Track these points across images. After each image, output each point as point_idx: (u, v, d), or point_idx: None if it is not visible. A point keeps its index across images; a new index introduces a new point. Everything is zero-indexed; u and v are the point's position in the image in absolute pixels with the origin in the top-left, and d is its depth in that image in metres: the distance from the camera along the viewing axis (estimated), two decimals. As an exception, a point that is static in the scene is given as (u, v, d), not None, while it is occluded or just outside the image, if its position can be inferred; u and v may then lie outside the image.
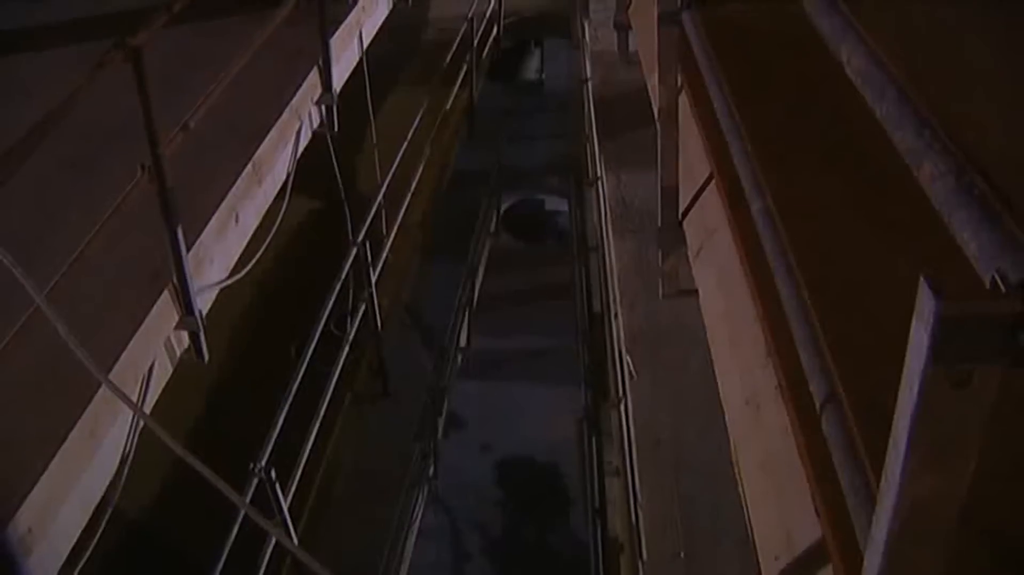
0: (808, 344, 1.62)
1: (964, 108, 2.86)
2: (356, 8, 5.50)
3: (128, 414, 2.78)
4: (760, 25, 3.20)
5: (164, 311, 3.07)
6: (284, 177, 4.33)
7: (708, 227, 2.88)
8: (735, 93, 2.63)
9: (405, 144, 6.61)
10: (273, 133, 4.14)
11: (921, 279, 0.79)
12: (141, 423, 2.80)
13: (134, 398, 2.85)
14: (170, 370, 3.15)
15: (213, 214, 3.50)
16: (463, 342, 6.98)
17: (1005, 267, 0.80)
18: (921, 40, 3.49)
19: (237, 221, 3.69)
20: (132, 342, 2.85)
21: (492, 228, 8.18)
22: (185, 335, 3.23)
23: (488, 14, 9.45)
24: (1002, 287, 0.80)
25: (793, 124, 2.94)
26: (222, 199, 3.58)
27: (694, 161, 3.10)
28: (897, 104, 1.05)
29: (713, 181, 2.92)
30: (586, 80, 7.09)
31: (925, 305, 0.79)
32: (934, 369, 0.83)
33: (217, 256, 3.50)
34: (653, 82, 3.30)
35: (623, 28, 5.21)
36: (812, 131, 2.85)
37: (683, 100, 3.21)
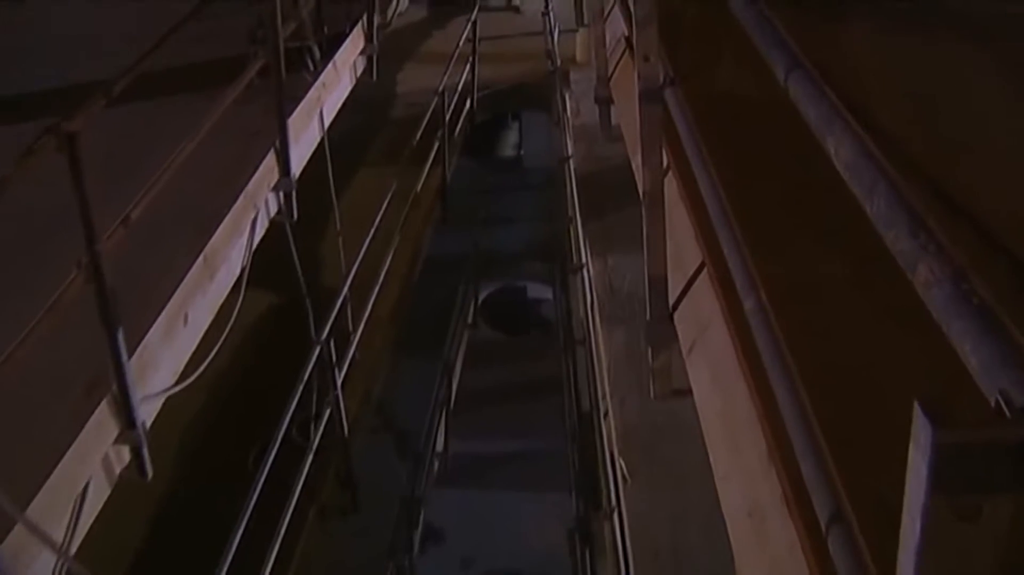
0: (809, 455, 1.61)
1: (974, 159, 2.91)
2: (316, 84, 5.59)
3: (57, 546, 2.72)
4: (748, 99, 3.26)
5: (102, 424, 3.03)
6: (239, 271, 4.33)
7: (701, 321, 2.88)
8: (723, 174, 2.67)
9: (372, 230, 6.63)
10: (226, 223, 4.15)
11: (915, 404, 0.78)
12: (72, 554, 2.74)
13: (64, 525, 2.79)
14: (108, 491, 3.09)
15: (159, 314, 3.48)
16: (440, 446, 6.91)
17: (1009, 387, 0.80)
18: (926, 78, 3.58)
19: (186, 321, 3.68)
20: (63, 461, 2.79)
21: (470, 319, 8.17)
22: (126, 450, 3.18)
23: (460, 87, 9.61)
24: (1006, 411, 0.80)
25: (787, 204, 2.98)
26: (169, 297, 3.58)
27: (684, 248, 3.12)
28: (888, 200, 1.06)
29: (705, 270, 2.94)
30: (568, 157, 7.18)
31: (921, 432, 0.78)
32: (936, 501, 0.81)
33: (163, 361, 3.48)
34: (637, 162, 3.34)
35: (605, 102, 5.30)
36: (808, 211, 2.89)
37: (670, 181, 3.25)
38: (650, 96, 2.82)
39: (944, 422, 0.77)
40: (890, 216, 1.05)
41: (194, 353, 3.80)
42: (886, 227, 1.06)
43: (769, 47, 1.47)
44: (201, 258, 3.86)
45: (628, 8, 3.46)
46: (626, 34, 4.56)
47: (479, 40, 9.99)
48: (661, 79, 2.81)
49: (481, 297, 8.46)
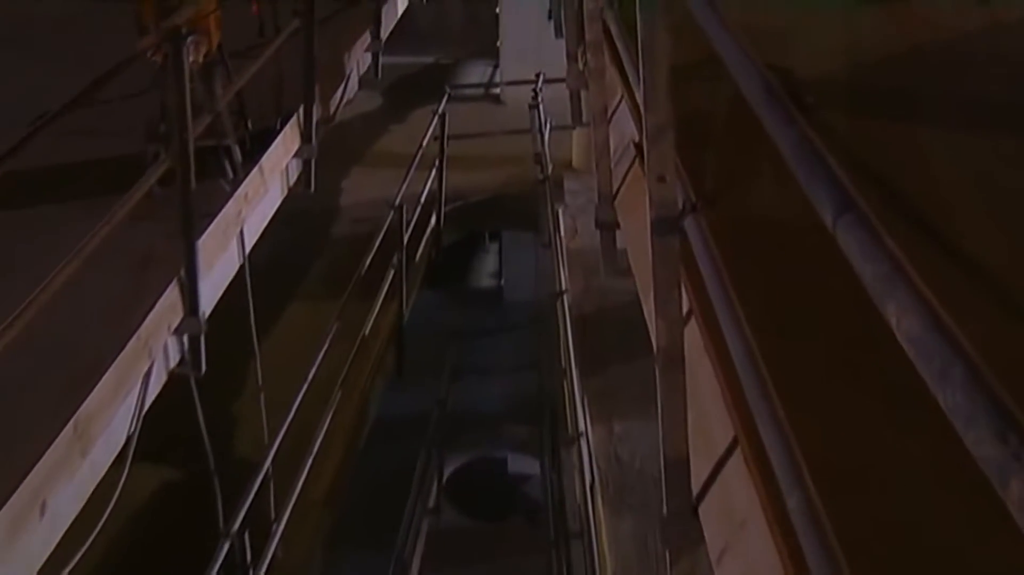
0: None
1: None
2: (236, 195, 5.64)
3: None
4: (790, 230, 3.29)
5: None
6: (123, 441, 4.29)
7: (734, 518, 2.85)
8: (759, 325, 2.67)
9: (305, 384, 6.63)
10: (108, 378, 4.13)
11: None
12: None
13: None
14: None
15: (4, 504, 3.40)
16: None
17: None
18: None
19: (44, 512, 3.61)
20: None
21: (432, 501, 8.10)
22: None
23: (424, 198, 9.73)
24: None
25: (841, 365, 2.98)
26: (21, 480, 3.51)
27: (710, 420, 3.11)
28: (966, 391, 1.06)
29: (738, 450, 2.93)
30: (561, 291, 7.23)
31: None
32: None
33: (6, 568, 3.40)
34: (649, 307, 3.35)
35: (609, 227, 5.36)
36: (868, 373, 2.89)
37: (691, 333, 3.26)
38: (665, 226, 2.84)
39: None
40: (970, 412, 1.05)
41: (53, 554, 3.73)
42: (965, 426, 1.05)
43: (812, 183, 1.49)
44: (70, 426, 3.81)
45: (638, 108, 3.52)
46: (636, 139, 4.64)
47: (448, 138, 10.16)
48: (680, 204, 2.84)
49: (447, 472, 8.41)
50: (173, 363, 4.81)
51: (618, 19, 4.75)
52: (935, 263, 3.05)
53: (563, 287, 7.27)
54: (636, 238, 4.37)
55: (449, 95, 10.29)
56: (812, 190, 1.51)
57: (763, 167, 3.65)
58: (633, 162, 4.87)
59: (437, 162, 10.08)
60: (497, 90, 14.88)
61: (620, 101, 5.35)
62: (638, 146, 4.53)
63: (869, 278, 1.29)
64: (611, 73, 5.36)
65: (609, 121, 5.37)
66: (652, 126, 2.76)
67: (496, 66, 15.36)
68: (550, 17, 11.33)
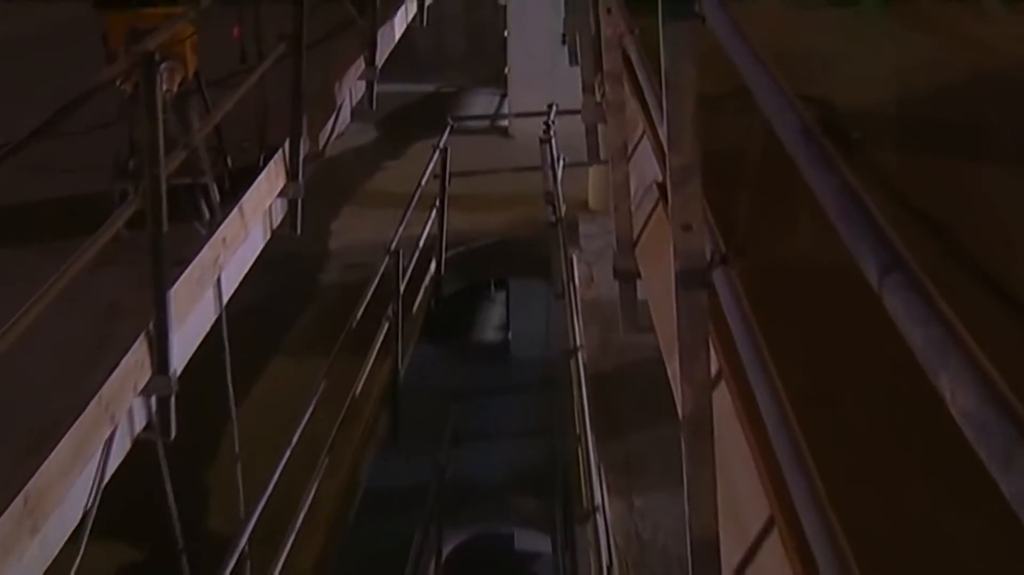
0: None
1: None
2: (213, 240, 5.63)
3: None
4: (831, 284, 3.29)
5: None
6: (79, 517, 4.26)
7: (772, 608, 2.83)
8: (796, 388, 2.65)
9: (288, 451, 6.60)
10: (64, 445, 4.09)
11: None
12: None
13: None
14: None
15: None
16: None
17: None
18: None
19: (-12, 597, 3.59)
20: None
21: (430, 582, 8.09)
22: None
23: (422, 242, 9.74)
24: None
25: (890, 433, 2.97)
26: (-37, 563, 3.50)
27: (742, 495, 3.09)
28: (1033, 480, 1.04)
29: (775, 530, 2.90)
30: (576, 347, 7.22)
31: None
32: None
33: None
34: (674, 369, 3.34)
35: (629, 277, 5.34)
36: (920, 443, 2.87)
37: (721, 398, 3.24)
38: (692, 278, 2.82)
39: None
40: (1037, 502, 1.03)
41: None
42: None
43: (855, 237, 1.47)
44: (19, 500, 3.77)
45: (662, 146, 3.52)
46: (659, 180, 4.64)
47: (450, 176, 10.17)
48: (708, 255, 2.83)
49: (446, 550, 8.39)
50: (139, 427, 4.77)
51: (639, 47, 4.74)
52: (996, 327, 3.03)
53: (577, 343, 7.26)
54: (659, 290, 4.36)
55: (451, 127, 10.30)
56: (855, 245, 1.49)
57: (800, 214, 3.65)
58: (656, 205, 4.86)
59: (437, 202, 10.08)
60: (504, 122, 14.92)
61: (641, 137, 5.36)
62: (661, 187, 4.52)
63: (919, 344, 1.27)
64: (631, 106, 5.36)
65: (629, 159, 5.36)
66: (676, 167, 2.75)
67: (503, 96, 15.43)
68: (564, 42, 11.38)
